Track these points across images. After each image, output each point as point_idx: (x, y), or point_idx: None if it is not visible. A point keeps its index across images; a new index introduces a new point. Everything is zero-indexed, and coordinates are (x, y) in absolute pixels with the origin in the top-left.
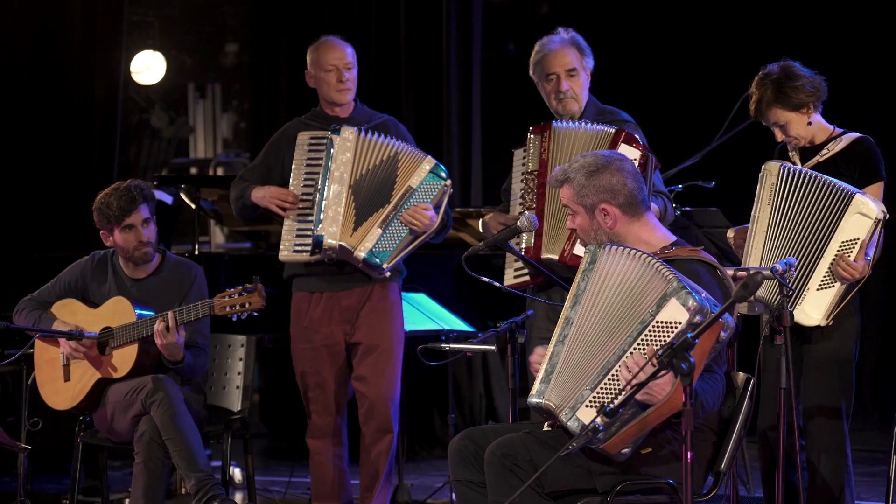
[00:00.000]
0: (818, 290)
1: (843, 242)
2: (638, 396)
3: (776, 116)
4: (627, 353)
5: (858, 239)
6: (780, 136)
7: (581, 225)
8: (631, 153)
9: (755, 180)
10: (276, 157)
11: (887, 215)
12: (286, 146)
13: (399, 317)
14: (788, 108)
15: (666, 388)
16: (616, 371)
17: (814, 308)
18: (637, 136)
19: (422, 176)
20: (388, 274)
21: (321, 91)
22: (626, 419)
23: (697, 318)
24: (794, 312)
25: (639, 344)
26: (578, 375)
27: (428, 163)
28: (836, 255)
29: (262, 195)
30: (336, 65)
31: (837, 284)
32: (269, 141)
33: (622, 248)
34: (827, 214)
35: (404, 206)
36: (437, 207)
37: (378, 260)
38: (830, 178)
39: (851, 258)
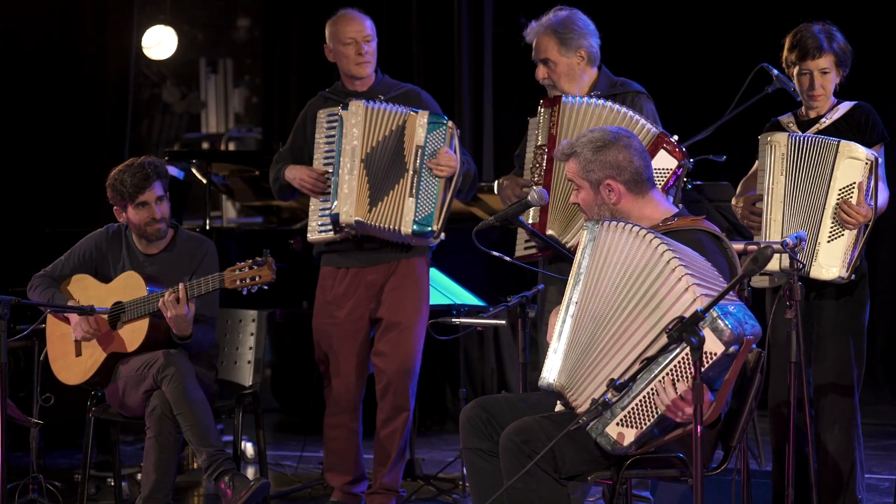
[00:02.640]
0: (829, 241)
1: (841, 189)
2: (668, 414)
3: (828, 61)
4: (658, 379)
5: (855, 182)
6: (818, 88)
7: (585, 199)
8: (669, 161)
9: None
10: (303, 137)
11: (879, 159)
12: (310, 123)
13: (424, 293)
14: (836, 59)
15: (689, 410)
16: (648, 394)
17: (829, 259)
18: (677, 145)
19: (423, 130)
20: (442, 235)
21: (340, 65)
22: (655, 435)
23: (733, 349)
24: (812, 269)
25: (669, 372)
26: (589, 358)
27: (422, 115)
28: (837, 203)
29: (293, 176)
30: (355, 37)
31: (846, 233)
32: (293, 118)
33: (622, 223)
34: (822, 168)
35: (423, 165)
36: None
37: (427, 226)
38: (820, 135)
39: (854, 202)
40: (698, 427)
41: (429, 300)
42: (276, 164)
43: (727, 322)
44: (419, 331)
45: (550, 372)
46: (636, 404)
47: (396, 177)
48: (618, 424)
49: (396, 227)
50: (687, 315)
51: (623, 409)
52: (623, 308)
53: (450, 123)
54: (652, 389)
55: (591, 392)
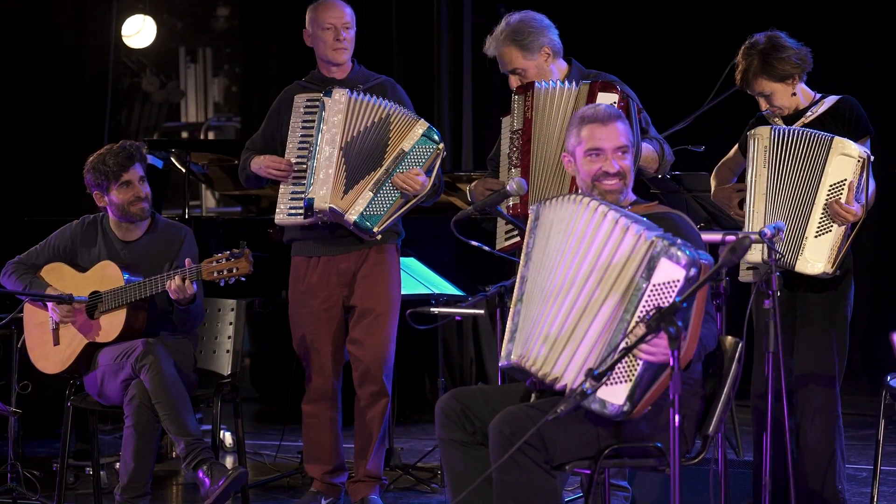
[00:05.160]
0: (816, 236)
1: (831, 186)
2: (648, 358)
3: (762, 87)
4: (631, 324)
5: (846, 180)
6: (764, 106)
7: (631, 164)
8: (610, 98)
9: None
10: (277, 123)
11: (872, 158)
12: (285, 110)
13: (396, 280)
14: (774, 80)
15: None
16: (624, 348)
17: (815, 254)
18: (613, 82)
19: (414, 139)
20: (378, 236)
21: (318, 50)
22: (646, 385)
23: (693, 272)
24: (797, 263)
25: (637, 321)
26: (531, 321)
27: (421, 126)
28: (826, 200)
29: (259, 165)
30: (334, 23)
31: (835, 227)
32: (270, 107)
33: (561, 197)
34: (813, 162)
35: (396, 170)
36: (429, 171)
37: (369, 224)
38: (812, 129)
39: (843, 200)
40: (676, 416)
41: (400, 286)
42: (247, 151)
43: (681, 249)
44: (393, 317)
45: (508, 351)
46: (616, 361)
47: (368, 169)
48: (606, 385)
49: (344, 211)
50: (640, 253)
51: (598, 360)
52: (567, 267)
53: (440, 146)
54: (626, 342)
55: (544, 353)
